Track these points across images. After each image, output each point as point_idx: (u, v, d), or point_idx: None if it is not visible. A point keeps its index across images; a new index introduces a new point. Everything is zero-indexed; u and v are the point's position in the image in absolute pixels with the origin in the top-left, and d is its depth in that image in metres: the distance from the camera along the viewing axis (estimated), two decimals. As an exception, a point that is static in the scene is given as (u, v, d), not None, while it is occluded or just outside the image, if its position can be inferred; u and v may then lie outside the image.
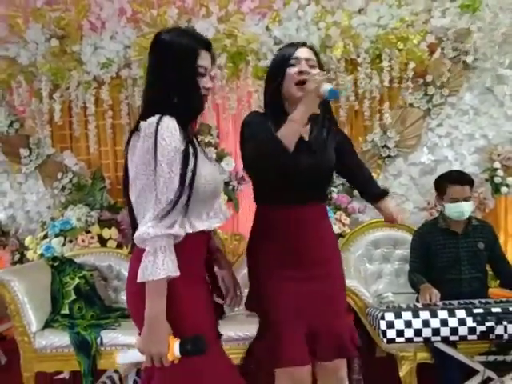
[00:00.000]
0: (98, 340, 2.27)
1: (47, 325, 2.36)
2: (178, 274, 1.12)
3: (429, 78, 2.93)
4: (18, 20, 3.22)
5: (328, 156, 1.48)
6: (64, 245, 2.90)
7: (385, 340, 1.70)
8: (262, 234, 1.49)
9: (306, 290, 1.42)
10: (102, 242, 2.95)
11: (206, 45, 1.25)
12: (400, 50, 2.87)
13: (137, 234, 1.11)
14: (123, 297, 2.84)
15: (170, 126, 1.14)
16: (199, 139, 2.94)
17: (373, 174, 2.84)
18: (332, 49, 2.93)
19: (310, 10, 2.98)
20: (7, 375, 2.63)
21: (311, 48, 1.51)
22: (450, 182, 2.22)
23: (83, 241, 2.89)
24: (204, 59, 1.23)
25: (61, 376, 2.62)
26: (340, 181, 2.97)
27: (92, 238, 2.92)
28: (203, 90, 1.24)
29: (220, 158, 3.00)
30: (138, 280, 1.10)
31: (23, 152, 3.20)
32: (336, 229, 2.75)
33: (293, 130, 1.31)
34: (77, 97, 3.18)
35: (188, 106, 1.21)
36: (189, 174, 1.16)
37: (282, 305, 1.41)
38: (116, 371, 2.15)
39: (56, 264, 2.62)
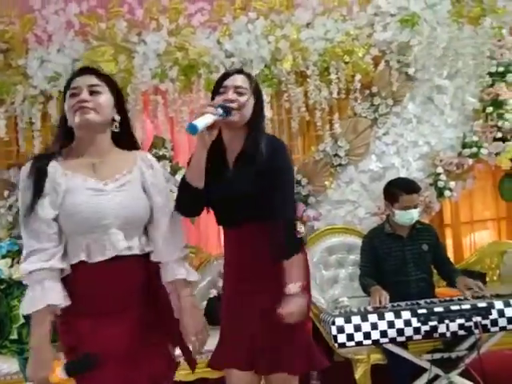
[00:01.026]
0: (51, 364, 2.19)
1: (-5, 350, 2.26)
2: (63, 303, 1.20)
3: (374, 89, 3.07)
4: (-43, 33, 3.10)
5: (242, 186, 1.46)
6: (12, 266, 2.77)
7: (336, 345, 1.75)
8: (224, 250, 1.61)
9: (249, 303, 1.48)
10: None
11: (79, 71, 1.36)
12: (346, 63, 2.99)
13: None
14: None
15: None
16: (153, 152, 2.94)
17: (326, 183, 3.04)
18: (282, 62, 3.01)
19: (260, 23, 3.06)
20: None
21: (248, 75, 1.54)
22: (402, 190, 2.31)
23: (33, 261, 2.78)
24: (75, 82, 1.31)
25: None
26: (295, 189, 3.04)
27: (43, 257, 2.81)
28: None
29: (175, 172, 3.00)
30: (24, 313, 1.20)
31: (-34, 170, 3.06)
32: (291, 237, 2.80)
33: (192, 168, 1.42)
34: (22, 112, 3.08)
35: None
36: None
37: (229, 313, 1.55)
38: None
39: (3, 287, 2.51)
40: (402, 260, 2.32)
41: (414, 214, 2.29)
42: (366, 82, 3.07)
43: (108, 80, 1.36)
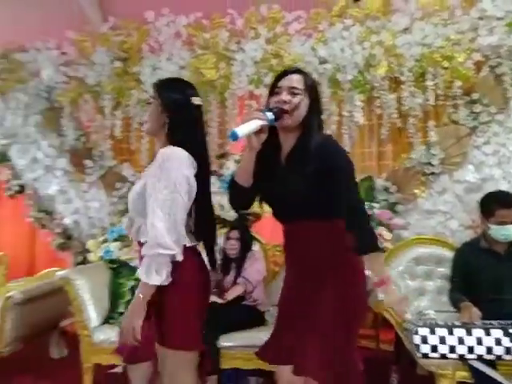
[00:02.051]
0: (149, 338, 2.45)
1: (105, 321, 2.60)
2: None
3: (475, 96, 2.92)
4: (86, 44, 3.58)
5: (291, 184, 1.46)
6: (121, 249, 3.15)
7: (418, 354, 1.74)
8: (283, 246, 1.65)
9: (295, 299, 1.53)
10: (155, 248, 3.17)
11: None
12: (445, 69, 2.89)
13: None
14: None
15: None
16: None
17: (416, 191, 2.96)
18: (376, 67, 3.00)
19: (355, 30, 3.09)
20: (68, 366, 2.90)
21: (305, 75, 1.51)
22: (499, 204, 2.19)
23: (138, 246, 3.13)
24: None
25: (114, 370, 2.84)
26: (382, 196, 3.02)
27: (145, 244, 3.14)
28: None
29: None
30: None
31: (88, 163, 3.52)
32: (377, 244, 2.79)
33: (240, 168, 1.51)
34: (135, 114, 3.46)
35: None
36: None
37: (279, 306, 1.61)
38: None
39: (114, 266, 2.86)
40: (497, 277, 2.19)
41: (510, 230, 2.17)
42: (465, 88, 2.94)
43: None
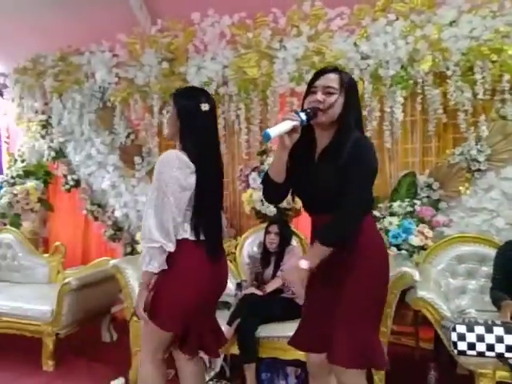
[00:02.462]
0: (192, 326, 2.58)
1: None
2: None
3: (526, 90, 2.81)
4: (136, 46, 3.76)
5: (321, 180, 1.53)
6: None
7: (455, 351, 1.74)
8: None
9: (319, 289, 1.62)
10: (198, 240, 3.31)
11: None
12: (493, 62, 2.80)
13: None
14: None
15: None
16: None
17: (460, 188, 2.89)
18: (420, 62, 2.95)
19: (399, 24, 3.05)
20: (118, 349, 3.10)
21: (340, 73, 1.54)
22: None
23: (182, 239, 3.27)
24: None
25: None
26: (424, 193, 2.98)
27: (189, 236, 3.29)
28: None
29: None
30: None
31: (137, 159, 3.72)
32: (418, 241, 2.77)
33: (272, 165, 1.57)
34: (181, 112, 3.60)
35: None
36: None
37: (307, 296, 1.70)
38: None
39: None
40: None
41: None
42: (516, 82, 2.83)
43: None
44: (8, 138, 4.50)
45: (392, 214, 2.95)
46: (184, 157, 1.62)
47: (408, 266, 2.30)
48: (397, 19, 3.07)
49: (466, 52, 2.87)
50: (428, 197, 2.98)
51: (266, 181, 1.60)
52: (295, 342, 1.71)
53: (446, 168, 2.98)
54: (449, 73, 2.90)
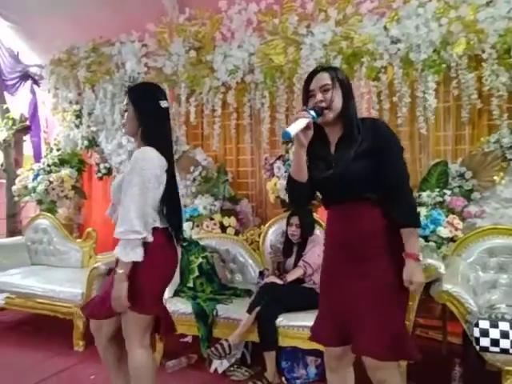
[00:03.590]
0: (214, 312, 2.62)
1: (176, 294, 2.83)
2: None
3: None
4: (164, 35, 3.80)
5: (341, 167, 1.56)
6: (192, 228, 3.36)
7: (477, 347, 1.67)
8: (326, 229, 1.73)
9: (341, 279, 1.58)
10: (223, 228, 3.35)
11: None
12: (534, 44, 2.62)
13: None
14: (237, 277, 3.21)
15: None
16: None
17: (495, 178, 2.75)
18: (453, 45, 2.81)
19: (431, 6, 2.90)
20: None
21: (328, 69, 1.60)
22: None
23: (207, 226, 3.32)
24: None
25: (185, 339, 3.08)
26: (456, 183, 2.86)
27: (215, 224, 3.33)
28: None
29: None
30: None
31: (164, 148, 3.77)
32: (447, 233, 2.67)
33: (294, 165, 1.61)
34: (207, 100, 3.62)
35: None
36: None
37: (323, 291, 1.66)
38: (226, 340, 2.46)
39: (185, 244, 3.07)
40: None
41: None
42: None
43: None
44: (46, 127, 4.69)
45: (420, 205, 2.84)
46: (160, 155, 1.75)
47: (434, 258, 2.23)
48: (429, 0, 2.93)
49: (503, 33, 2.69)
50: (460, 187, 2.85)
51: (290, 183, 1.64)
52: (315, 335, 1.68)
53: (480, 156, 2.83)
54: (484, 56, 2.75)
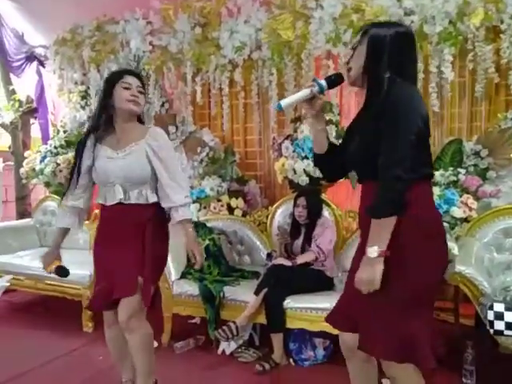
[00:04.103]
0: (221, 294, 2.60)
1: (183, 275, 2.80)
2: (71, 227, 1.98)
3: None
4: (169, 12, 3.69)
5: (355, 142, 1.42)
6: (199, 210, 3.32)
7: (491, 331, 1.61)
8: None
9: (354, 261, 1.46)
10: (230, 210, 3.30)
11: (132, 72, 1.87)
12: (557, 13, 2.47)
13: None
14: (245, 259, 3.17)
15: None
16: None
17: (511, 156, 2.64)
18: (470, 16, 2.67)
19: (447, -26, 2.75)
20: (151, 315, 3.16)
21: (368, 25, 1.43)
22: None
23: (214, 208, 3.27)
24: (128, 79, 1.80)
25: (193, 321, 3.07)
26: (471, 161, 2.75)
27: (222, 206, 3.28)
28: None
29: (339, 137, 3.03)
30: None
31: (171, 129, 3.71)
32: (460, 213, 2.58)
33: (311, 137, 1.57)
34: (214, 79, 3.53)
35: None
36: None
37: (348, 275, 1.50)
38: (234, 322, 2.44)
39: (192, 226, 3.02)
40: None
41: None
42: None
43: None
44: (54, 109, 4.65)
45: (434, 184, 2.75)
46: None
47: (447, 240, 2.15)
48: (445, -32, 2.77)
49: (524, 2, 2.55)
50: (475, 165, 2.75)
51: (315, 158, 1.59)
52: (331, 319, 1.57)
53: (497, 134, 2.72)
54: (503, 27, 2.62)
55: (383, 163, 1.25)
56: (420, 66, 2.89)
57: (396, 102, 1.27)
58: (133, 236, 1.80)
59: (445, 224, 2.61)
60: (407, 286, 1.30)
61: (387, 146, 1.25)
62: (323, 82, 1.42)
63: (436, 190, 2.68)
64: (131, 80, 1.80)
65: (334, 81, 1.43)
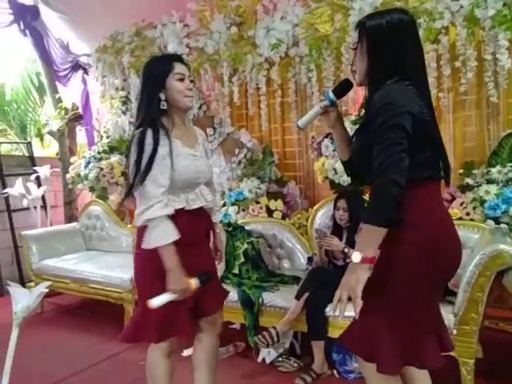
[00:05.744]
0: (260, 300, 2.51)
1: (221, 280, 2.72)
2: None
3: None
4: (205, 13, 3.66)
5: (354, 146, 1.45)
6: (238, 213, 3.26)
7: None
8: None
9: None
10: (269, 212, 3.21)
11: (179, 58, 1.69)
12: None
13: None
14: (285, 264, 3.06)
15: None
16: (362, 113, 2.86)
17: None
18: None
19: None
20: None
21: (362, 22, 1.34)
22: None
23: (253, 210, 3.19)
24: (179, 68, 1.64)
25: (233, 326, 3.01)
26: None
27: (261, 208, 3.19)
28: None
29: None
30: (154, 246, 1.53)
31: (209, 131, 3.68)
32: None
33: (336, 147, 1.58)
34: (251, 78, 3.45)
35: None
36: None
37: None
38: (274, 327, 2.34)
39: (230, 229, 2.97)
40: None
41: None
42: None
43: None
44: (98, 115, 4.78)
45: (490, 182, 2.52)
46: None
47: (506, 243, 1.94)
48: None
49: None
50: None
51: (342, 164, 1.60)
52: None
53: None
54: None
55: (374, 168, 1.20)
56: (472, 53, 2.66)
57: (377, 102, 1.23)
58: (207, 242, 1.81)
59: (503, 226, 2.38)
60: (391, 293, 1.29)
61: (376, 150, 1.20)
62: (331, 94, 1.44)
63: (493, 189, 2.46)
64: (182, 69, 1.64)
65: (343, 88, 1.47)
